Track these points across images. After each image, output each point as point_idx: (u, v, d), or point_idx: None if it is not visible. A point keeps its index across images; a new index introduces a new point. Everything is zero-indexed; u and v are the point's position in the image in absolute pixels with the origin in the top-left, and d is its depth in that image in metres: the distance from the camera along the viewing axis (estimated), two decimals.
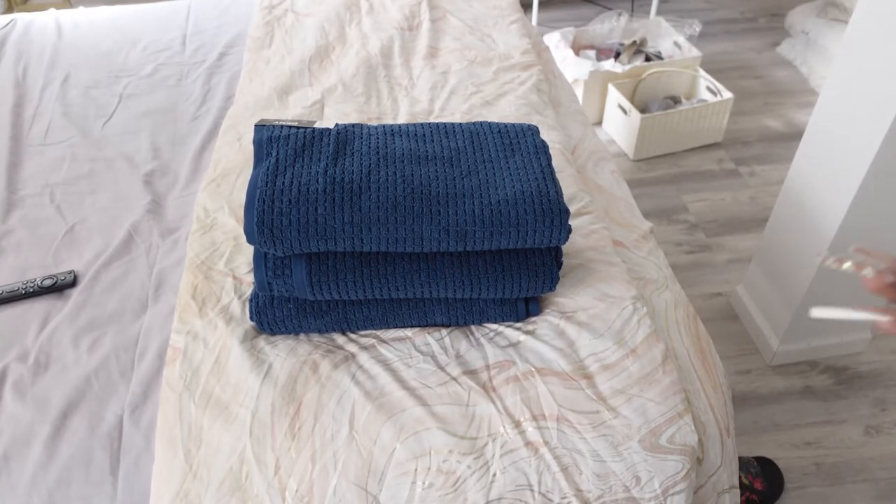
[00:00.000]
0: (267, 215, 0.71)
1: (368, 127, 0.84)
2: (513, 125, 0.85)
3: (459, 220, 0.73)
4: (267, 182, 0.73)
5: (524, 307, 0.82)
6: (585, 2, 3.00)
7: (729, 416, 0.81)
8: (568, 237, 0.76)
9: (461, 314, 0.81)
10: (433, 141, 0.82)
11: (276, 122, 0.82)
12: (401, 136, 0.81)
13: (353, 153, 0.77)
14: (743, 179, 2.05)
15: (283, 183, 0.73)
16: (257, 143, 0.79)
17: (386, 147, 0.79)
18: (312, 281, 0.75)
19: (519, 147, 0.82)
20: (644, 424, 0.73)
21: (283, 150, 0.77)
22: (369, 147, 0.78)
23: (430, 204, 0.73)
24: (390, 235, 0.72)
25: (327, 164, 0.75)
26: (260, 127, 0.81)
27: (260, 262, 0.76)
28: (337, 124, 0.83)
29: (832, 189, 1.24)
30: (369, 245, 0.72)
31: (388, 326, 0.82)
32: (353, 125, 0.83)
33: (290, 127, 0.81)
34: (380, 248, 0.73)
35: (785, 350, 1.53)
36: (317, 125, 0.82)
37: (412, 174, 0.75)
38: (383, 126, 0.84)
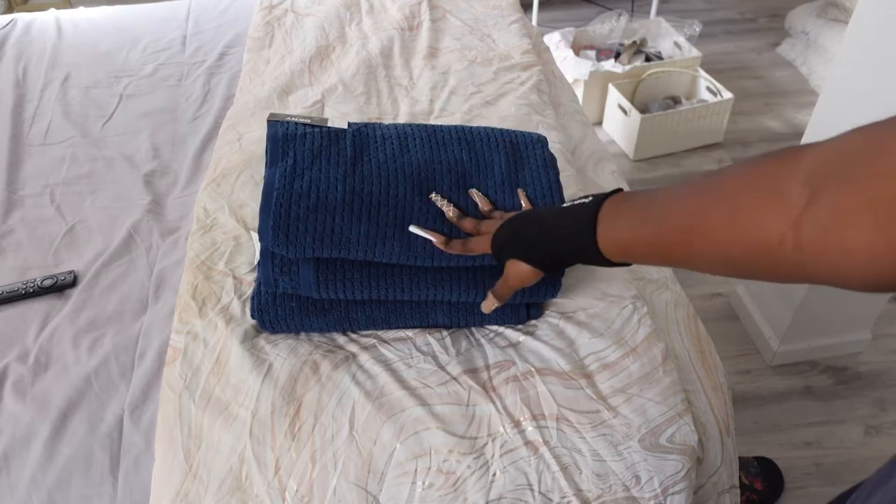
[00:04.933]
0: (283, 219, 0.71)
1: (382, 129, 0.83)
2: (523, 134, 0.86)
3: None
4: (284, 185, 0.73)
5: (525, 311, 0.82)
6: (585, 2, 3.00)
7: (729, 416, 0.81)
8: None
9: (463, 315, 0.81)
10: (447, 150, 0.82)
11: (289, 118, 0.81)
12: (415, 141, 0.82)
13: (370, 160, 0.78)
14: None
15: (301, 187, 0.73)
16: (272, 139, 0.78)
17: (402, 157, 0.79)
18: (319, 279, 0.75)
19: (528, 160, 0.83)
20: (644, 424, 0.73)
21: (300, 152, 0.76)
22: (386, 155, 0.79)
23: (444, 223, 0.76)
24: (403, 251, 0.73)
25: (346, 171, 0.75)
26: (273, 122, 0.80)
27: (267, 258, 0.76)
28: (350, 124, 0.82)
29: None
30: (381, 256, 0.73)
31: (389, 327, 0.82)
32: (367, 125, 0.83)
33: (305, 125, 0.80)
34: (391, 261, 0.74)
35: (785, 350, 1.53)
36: (329, 124, 0.82)
37: (428, 191, 0.77)
38: (396, 127, 0.84)
